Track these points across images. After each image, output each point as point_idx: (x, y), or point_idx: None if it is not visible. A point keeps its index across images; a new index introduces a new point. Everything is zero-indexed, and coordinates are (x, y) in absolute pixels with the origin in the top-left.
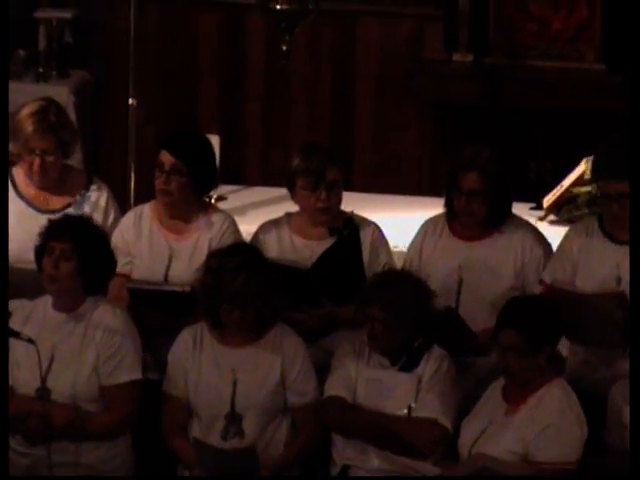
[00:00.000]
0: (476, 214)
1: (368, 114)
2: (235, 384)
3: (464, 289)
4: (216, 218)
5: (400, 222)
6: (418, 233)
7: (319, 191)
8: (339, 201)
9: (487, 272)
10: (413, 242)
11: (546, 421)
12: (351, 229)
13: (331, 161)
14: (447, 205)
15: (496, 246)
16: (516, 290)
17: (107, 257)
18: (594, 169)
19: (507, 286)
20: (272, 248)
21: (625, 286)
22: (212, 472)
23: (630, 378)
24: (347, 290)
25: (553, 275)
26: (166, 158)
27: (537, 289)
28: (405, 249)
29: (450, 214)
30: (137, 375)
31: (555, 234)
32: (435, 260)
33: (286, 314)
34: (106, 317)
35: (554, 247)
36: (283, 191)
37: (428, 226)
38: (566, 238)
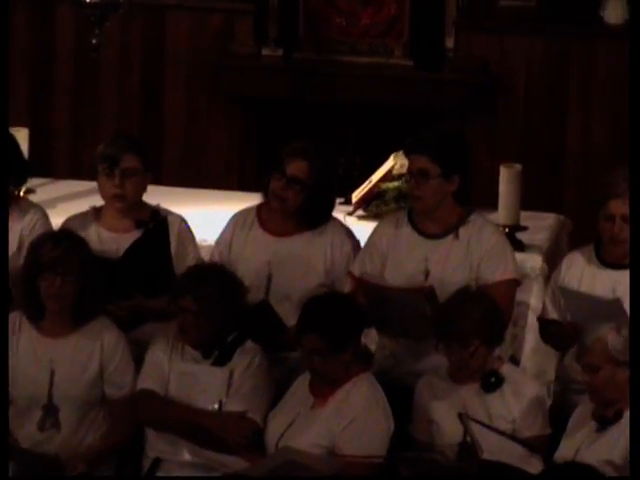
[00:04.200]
0: (289, 202)
1: (178, 108)
2: (52, 375)
3: (273, 285)
4: (27, 210)
5: (208, 216)
6: (227, 226)
7: (113, 177)
8: (137, 190)
9: (296, 268)
10: (222, 235)
11: (352, 414)
12: (157, 221)
13: (130, 149)
14: (263, 189)
15: (306, 242)
16: (325, 287)
17: None
18: (404, 149)
19: (316, 283)
20: None
21: (433, 279)
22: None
23: (630, 378)
24: (155, 282)
25: (362, 268)
26: None
27: (346, 286)
28: (214, 243)
29: (264, 198)
30: None
31: (363, 229)
32: (245, 254)
33: None
34: None
35: (362, 242)
36: (92, 184)
37: (238, 219)
38: (375, 231)
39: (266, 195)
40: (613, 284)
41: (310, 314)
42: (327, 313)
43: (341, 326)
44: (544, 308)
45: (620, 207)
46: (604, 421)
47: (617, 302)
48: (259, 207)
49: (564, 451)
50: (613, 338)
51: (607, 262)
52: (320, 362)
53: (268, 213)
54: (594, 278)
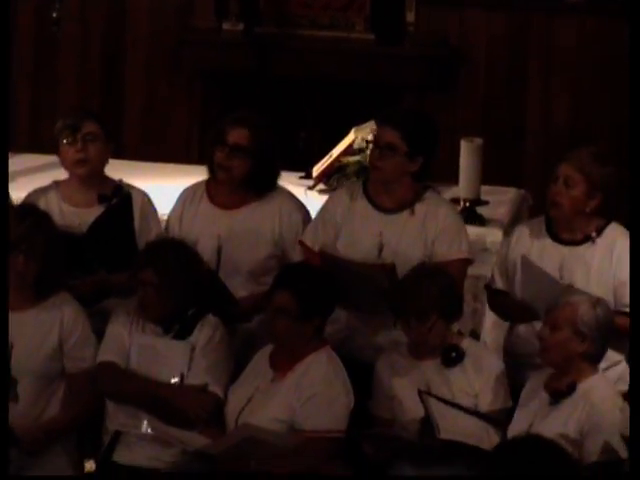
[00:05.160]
0: (235, 171)
1: (139, 82)
2: (11, 348)
3: (223, 258)
4: None
5: (169, 190)
6: (177, 201)
7: (76, 142)
8: (99, 156)
9: (246, 240)
10: (173, 210)
11: (312, 389)
12: (121, 197)
13: (89, 116)
14: (208, 162)
15: (254, 214)
16: (275, 258)
17: None
18: (378, 117)
19: (265, 254)
20: None
21: (387, 254)
22: None
23: (630, 378)
24: (119, 257)
25: (314, 237)
26: None
27: (296, 256)
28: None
29: (210, 171)
30: None
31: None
32: (194, 229)
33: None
34: None
35: None
36: (52, 158)
37: (188, 193)
38: (329, 201)
39: (211, 169)
40: (561, 259)
41: (289, 273)
42: (306, 276)
43: (316, 292)
44: (492, 277)
45: (565, 169)
46: (557, 394)
47: (570, 288)
48: (208, 181)
49: (518, 424)
50: (585, 308)
51: (557, 237)
52: (284, 326)
53: (216, 187)
54: (542, 252)
